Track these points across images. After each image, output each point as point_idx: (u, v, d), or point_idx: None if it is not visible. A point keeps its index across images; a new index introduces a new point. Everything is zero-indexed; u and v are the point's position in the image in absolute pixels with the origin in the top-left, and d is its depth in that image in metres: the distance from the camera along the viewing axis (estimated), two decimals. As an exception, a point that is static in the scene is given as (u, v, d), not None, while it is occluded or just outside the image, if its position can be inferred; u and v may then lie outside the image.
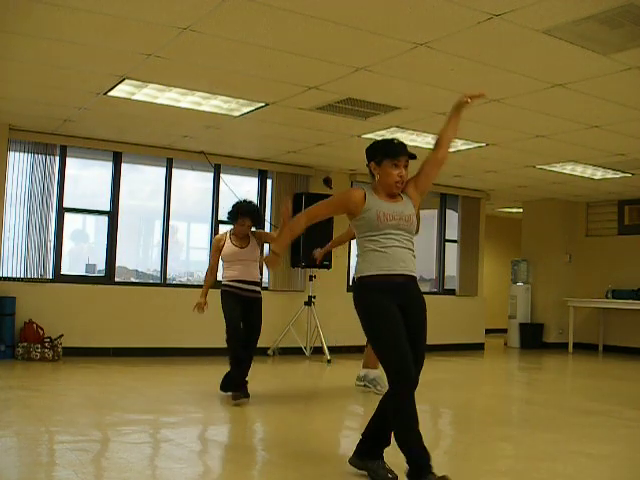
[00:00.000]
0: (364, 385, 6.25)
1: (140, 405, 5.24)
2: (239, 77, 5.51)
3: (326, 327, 8.58)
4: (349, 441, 3.50)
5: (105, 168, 8.28)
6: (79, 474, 3.24)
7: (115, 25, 4.40)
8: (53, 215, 7.83)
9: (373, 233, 3.31)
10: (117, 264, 8.30)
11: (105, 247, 8.23)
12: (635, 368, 9.29)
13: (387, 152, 3.39)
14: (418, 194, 3.49)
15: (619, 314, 10.99)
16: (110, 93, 5.95)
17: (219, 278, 5.73)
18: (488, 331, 11.67)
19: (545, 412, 5.58)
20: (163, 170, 8.59)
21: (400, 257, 3.33)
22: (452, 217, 11.19)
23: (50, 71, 5.48)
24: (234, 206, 5.60)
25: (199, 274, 9.09)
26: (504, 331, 12.28)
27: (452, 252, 11.06)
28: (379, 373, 5.93)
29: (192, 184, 9.22)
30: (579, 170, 8.88)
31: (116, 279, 8.27)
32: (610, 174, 9.03)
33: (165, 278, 8.58)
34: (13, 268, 7.58)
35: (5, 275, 7.53)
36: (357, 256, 3.43)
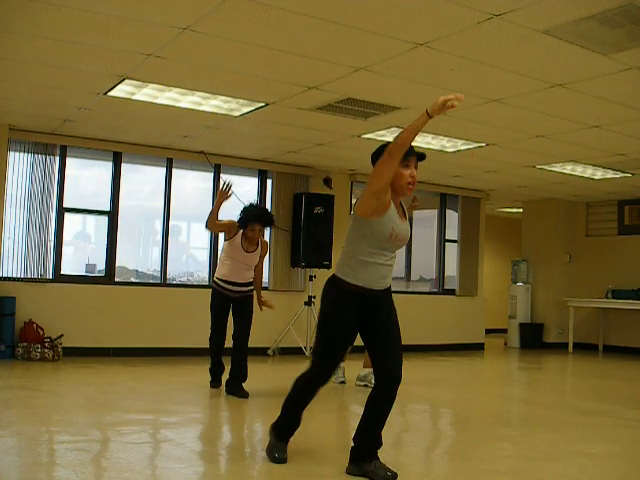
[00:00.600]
0: (364, 385, 6.26)
1: (140, 405, 5.24)
2: (239, 77, 5.51)
3: (326, 327, 8.56)
4: (349, 441, 3.49)
5: (105, 168, 8.29)
6: (79, 474, 3.24)
7: (115, 25, 4.40)
8: (53, 215, 7.83)
9: (373, 247, 3.28)
10: (117, 264, 8.30)
11: (105, 247, 8.23)
12: (635, 368, 9.29)
13: None
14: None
15: (619, 314, 10.99)
16: (110, 93, 5.95)
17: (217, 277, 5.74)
18: (488, 331, 11.67)
19: (545, 412, 5.58)
20: (163, 170, 8.60)
21: (383, 274, 3.35)
22: (452, 217, 11.19)
23: (50, 71, 5.48)
24: (242, 211, 5.50)
25: (199, 274, 9.09)
26: (504, 331, 12.28)
27: (452, 252, 11.07)
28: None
29: (192, 184, 9.22)
30: (579, 170, 8.88)
31: (116, 279, 8.27)
32: (610, 174, 9.03)
33: (165, 278, 8.58)
34: (13, 268, 7.58)
35: (5, 275, 7.54)
36: (343, 255, 3.37)
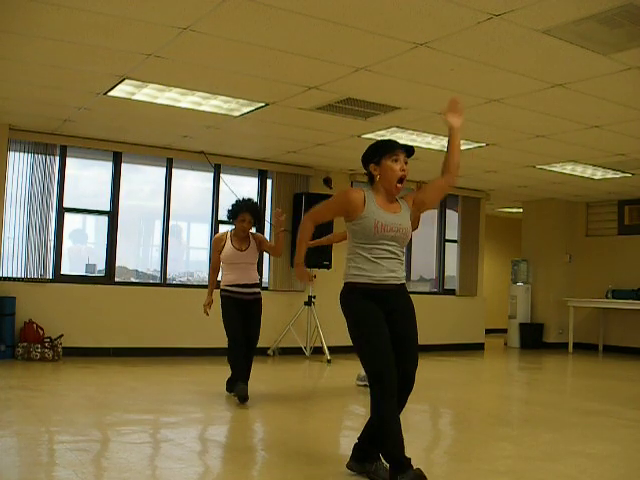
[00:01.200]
0: (364, 385, 6.25)
1: (140, 405, 5.24)
2: (239, 77, 5.51)
3: (326, 327, 8.58)
4: (349, 441, 3.49)
5: (105, 168, 8.29)
6: (79, 474, 3.24)
7: (115, 25, 4.40)
8: (53, 215, 7.83)
9: (368, 241, 3.28)
10: (117, 264, 8.30)
11: (105, 247, 8.23)
12: (635, 368, 9.29)
13: (385, 149, 3.35)
14: (416, 209, 3.45)
15: (619, 314, 10.99)
16: (110, 93, 5.95)
17: (218, 278, 5.73)
18: (488, 331, 11.68)
19: (545, 412, 5.58)
20: (163, 170, 8.60)
21: (391, 267, 3.30)
22: (452, 217, 11.19)
23: (50, 71, 5.48)
24: (233, 204, 5.61)
25: (199, 274, 9.09)
26: (504, 331, 12.28)
27: (452, 252, 11.07)
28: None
29: (192, 184, 9.22)
30: (579, 170, 8.88)
31: (116, 279, 8.27)
32: (610, 174, 9.03)
33: (165, 278, 8.58)
34: (13, 268, 7.58)
35: (5, 275, 7.54)
36: (347, 259, 3.37)
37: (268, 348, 8.79)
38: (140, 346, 8.11)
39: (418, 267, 10.96)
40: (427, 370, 8.70)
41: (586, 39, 4.30)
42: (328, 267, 8.81)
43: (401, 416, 3.22)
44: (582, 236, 11.92)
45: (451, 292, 10.96)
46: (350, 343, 3.33)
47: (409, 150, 3.37)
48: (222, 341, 5.52)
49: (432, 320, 10.16)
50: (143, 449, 3.93)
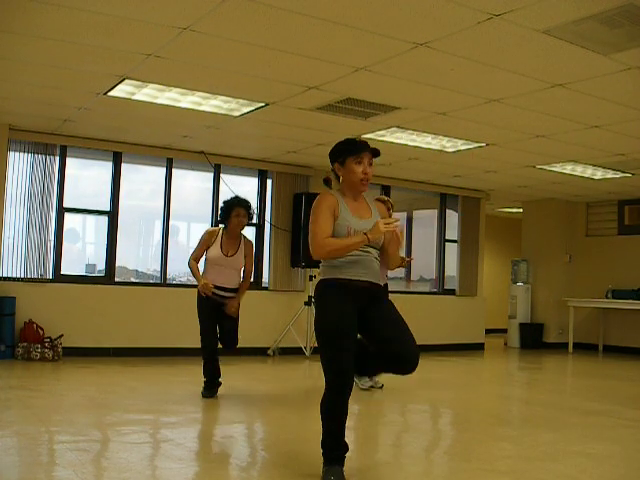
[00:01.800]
0: (369, 387, 6.24)
1: (140, 405, 5.24)
2: (239, 77, 5.51)
3: (326, 327, 8.56)
4: (349, 441, 3.49)
5: (105, 168, 8.29)
6: (79, 474, 3.24)
7: (115, 25, 4.40)
8: (53, 215, 7.83)
9: None
10: (117, 264, 8.30)
11: (105, 247, 8.23)
12: (635, 368, 9.29)
13: (350, 150, 3.35)
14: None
15: (619, 314, 10.99)
16: (110, 93, 5.95)
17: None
18: (488, 331, 11.67)
19: (545, 412, 5.58)
20: (163, 170, 8.60)
21: (365, 265, 3.30)
22: (452, 217, 11.19)
23: (50, 71, 5.48)
24: (224, 202, 5.63)
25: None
26: (504, 331, 12.28)
27: (452, 252, 11.07)
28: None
29: (192, 184, 9.22)
30: (579, 170, 8.88)
31: (116, 279, 8.27)
32: (610, 174, 9.03)
33: (165, 278, 8.58)
34: (13, 268, 7.58)
35: (5, 275, 7.54)
36: (320, 264, 3.38)
37: (268, 348, 8.79)
38: (140, 346, 8.11)
39: (418, 267, 10.96)
40: (427, 370, 8.71)
41: (586, 39, 4.30)
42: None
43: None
44: (582, 236, 11.92)
45: (451, 292, 10.95)
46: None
47: (375, 152, 3.37)
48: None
49: (432, 320, 10.16)
50: (143, 449, 3.94)
